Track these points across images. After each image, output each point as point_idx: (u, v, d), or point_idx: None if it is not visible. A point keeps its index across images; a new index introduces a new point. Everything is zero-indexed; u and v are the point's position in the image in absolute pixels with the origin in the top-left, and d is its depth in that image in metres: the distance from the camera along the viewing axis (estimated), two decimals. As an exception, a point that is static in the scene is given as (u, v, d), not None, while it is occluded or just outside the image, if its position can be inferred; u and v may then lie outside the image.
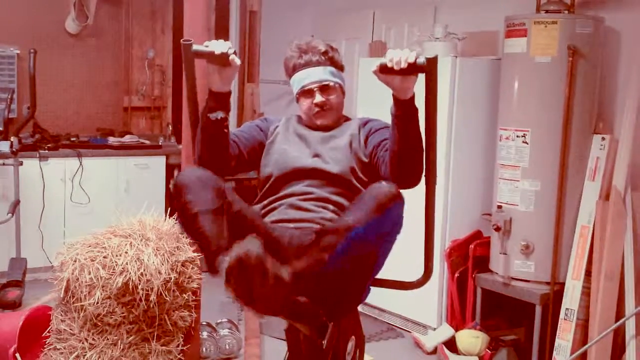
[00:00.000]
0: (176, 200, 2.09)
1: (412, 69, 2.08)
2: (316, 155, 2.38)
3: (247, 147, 2.42)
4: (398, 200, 2.04)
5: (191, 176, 2.11)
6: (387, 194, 2.03)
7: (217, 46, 2.18)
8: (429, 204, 2.30)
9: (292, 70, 2.46)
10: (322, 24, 5.64)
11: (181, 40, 2.22)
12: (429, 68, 2.07)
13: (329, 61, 2.43)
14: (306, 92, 2.43)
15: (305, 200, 2.31)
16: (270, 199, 2.38)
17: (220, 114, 2.24)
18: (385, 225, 2.03)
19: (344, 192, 2.34)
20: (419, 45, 4.31)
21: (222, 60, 2.18)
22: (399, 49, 2.11)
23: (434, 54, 2.08)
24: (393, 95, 2.16)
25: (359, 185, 2.35)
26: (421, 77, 2.11)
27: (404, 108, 2.15)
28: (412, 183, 2.22)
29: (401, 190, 2.09)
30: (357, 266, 2.03)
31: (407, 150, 2.17)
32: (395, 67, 2.07)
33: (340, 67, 2.48)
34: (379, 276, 2.32)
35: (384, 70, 2.11)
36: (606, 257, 3.52)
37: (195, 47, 2.20)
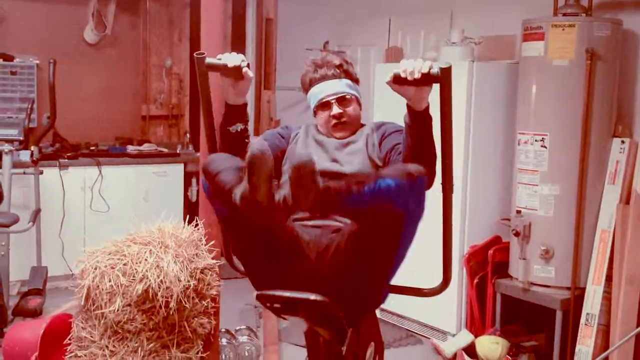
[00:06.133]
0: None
1: (426, 80, 2.04)
2: (334, 160, 2.40)
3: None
4: (423, 176, 1.99)
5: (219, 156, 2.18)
6: (416, 167, 1.99)
7: (231, 59, 2.21)
8: (446, 212, 2.27)
9: (308, 85, 2.48)
10: (338, 30, 5.64)
11: (194, 53, 2.23)
12: (443, 78, 2.02)
13: (344, 74, 2.45)
14: (323, 105, 2.44)
15: None
16: None
17: (239, 126, 2.31)
18: (412, 195, 1.96)
19: None
20: (435, 50, 4.30)
21: (235, 73, 2.20)
22: (413, 59, 2.07)
23: (448, 63, 2.03)
24: (407, 105, 2.14)
25: None
26: (436, 87, 2.08)
27: (418, 119, 2.13)
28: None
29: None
30: (381, 238, 1.99)
31: (420, 158, 2.13)
32: (409, 78, 2.04)
33: (355, 80, 2.49)
34: (397, 283, 2.32)
35: (398, 81, 2.08)
36: (627, 261, 3.48)
37: (208, 60, 2.21)
